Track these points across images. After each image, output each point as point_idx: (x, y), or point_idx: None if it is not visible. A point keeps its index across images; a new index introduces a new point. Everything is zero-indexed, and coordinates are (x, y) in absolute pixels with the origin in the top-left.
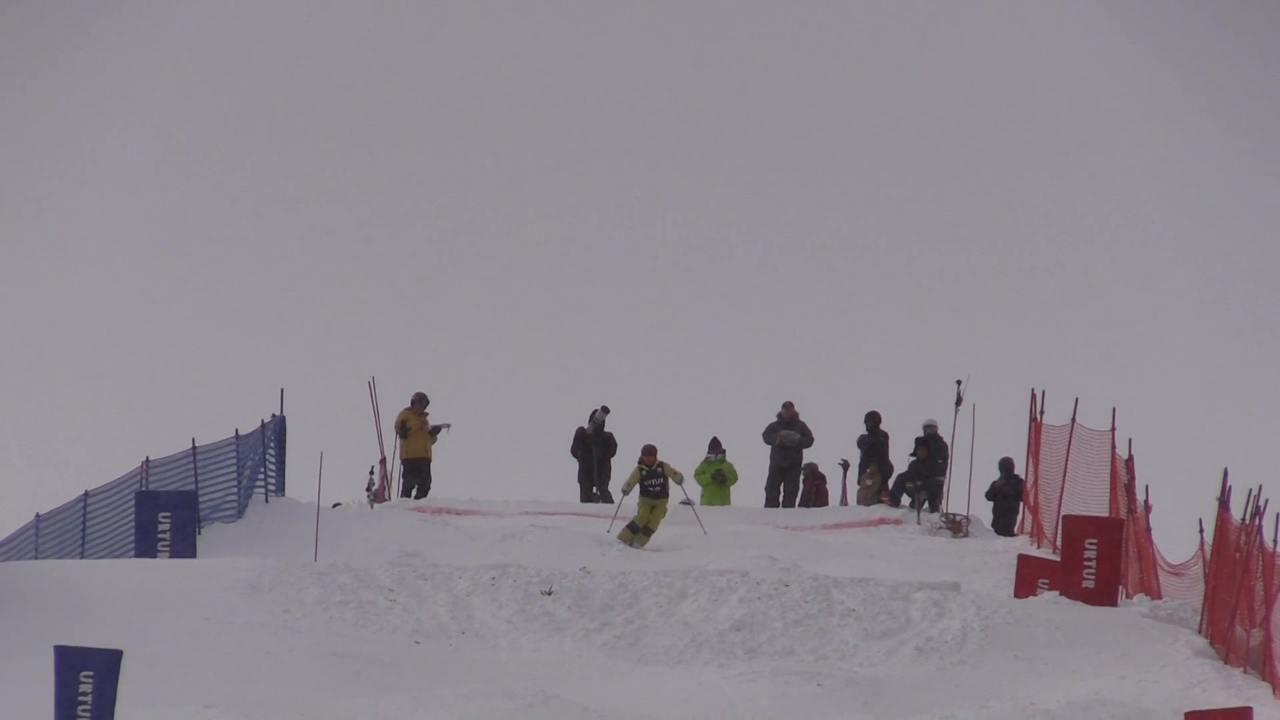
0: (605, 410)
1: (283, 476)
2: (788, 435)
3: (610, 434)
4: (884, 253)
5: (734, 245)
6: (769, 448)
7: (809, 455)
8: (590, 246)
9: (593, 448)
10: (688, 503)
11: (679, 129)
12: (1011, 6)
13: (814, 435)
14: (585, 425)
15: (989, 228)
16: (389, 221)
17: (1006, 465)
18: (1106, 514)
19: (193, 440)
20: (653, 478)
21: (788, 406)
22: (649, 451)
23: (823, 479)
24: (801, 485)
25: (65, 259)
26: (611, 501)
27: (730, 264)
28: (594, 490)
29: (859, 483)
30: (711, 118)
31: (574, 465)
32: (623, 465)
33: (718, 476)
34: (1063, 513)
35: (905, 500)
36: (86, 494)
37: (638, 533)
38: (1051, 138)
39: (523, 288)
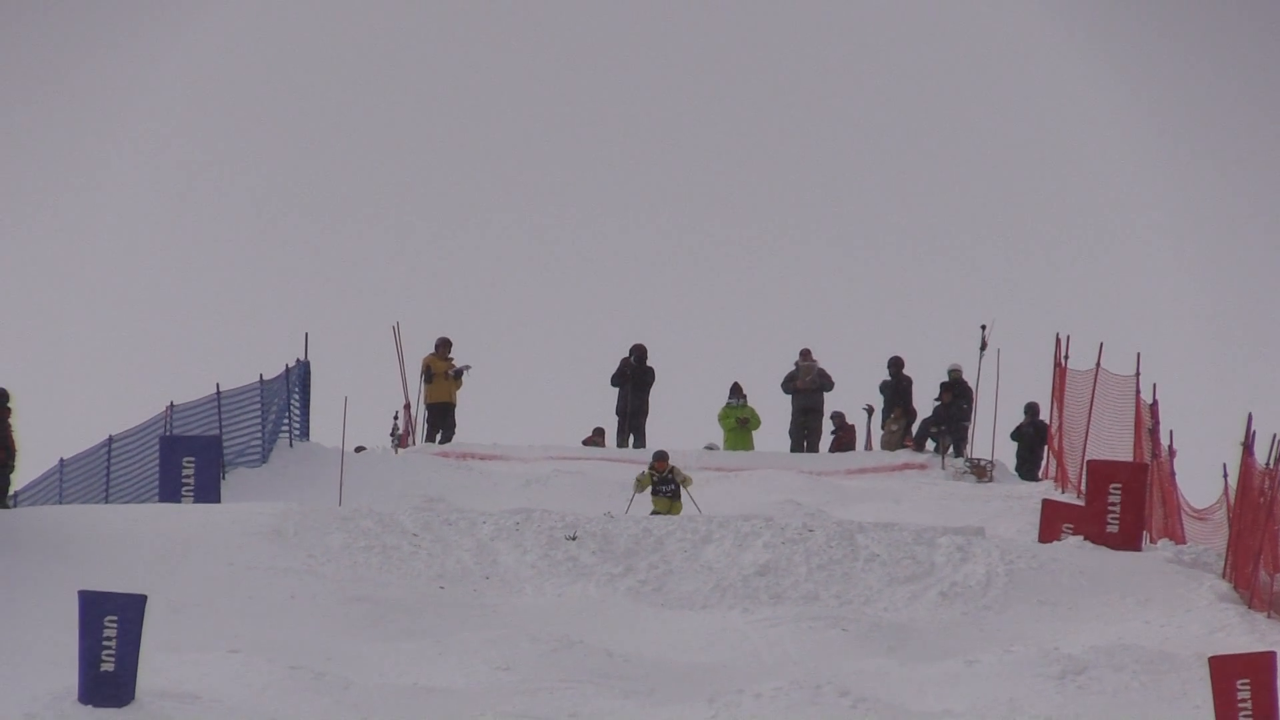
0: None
1: (307, 421)
2: (806, 368)
3: (651, 367)
4: (909, 198)
5: (758, 192)
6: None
7: (834, 403)
8: (613, 195)
9: (630, 378)
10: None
11: (706, 80)
12: None
13: (833, 380)
14: (628, 356)
15: (1014, 173)
16: (413, 167)
17: (1032, 409)
18: (1131, 459)
19: (217, 385)
20: (664, 483)
21: (805, 354)
22: (660, 457)
23: (851, 429)
24: (829, 433)
25: (92, 206)
26: (644, 441)
27: (753, 210)
28: (629, 425)
29: (883, 428)
30: (739, 67)
31: (596, 412)
32: (659, 400)
33: (741, 422)
34: (1087, 458)
35: (929, 445)
36: (111, 439)
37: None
38: (1076, 81)
39: (547, 235)
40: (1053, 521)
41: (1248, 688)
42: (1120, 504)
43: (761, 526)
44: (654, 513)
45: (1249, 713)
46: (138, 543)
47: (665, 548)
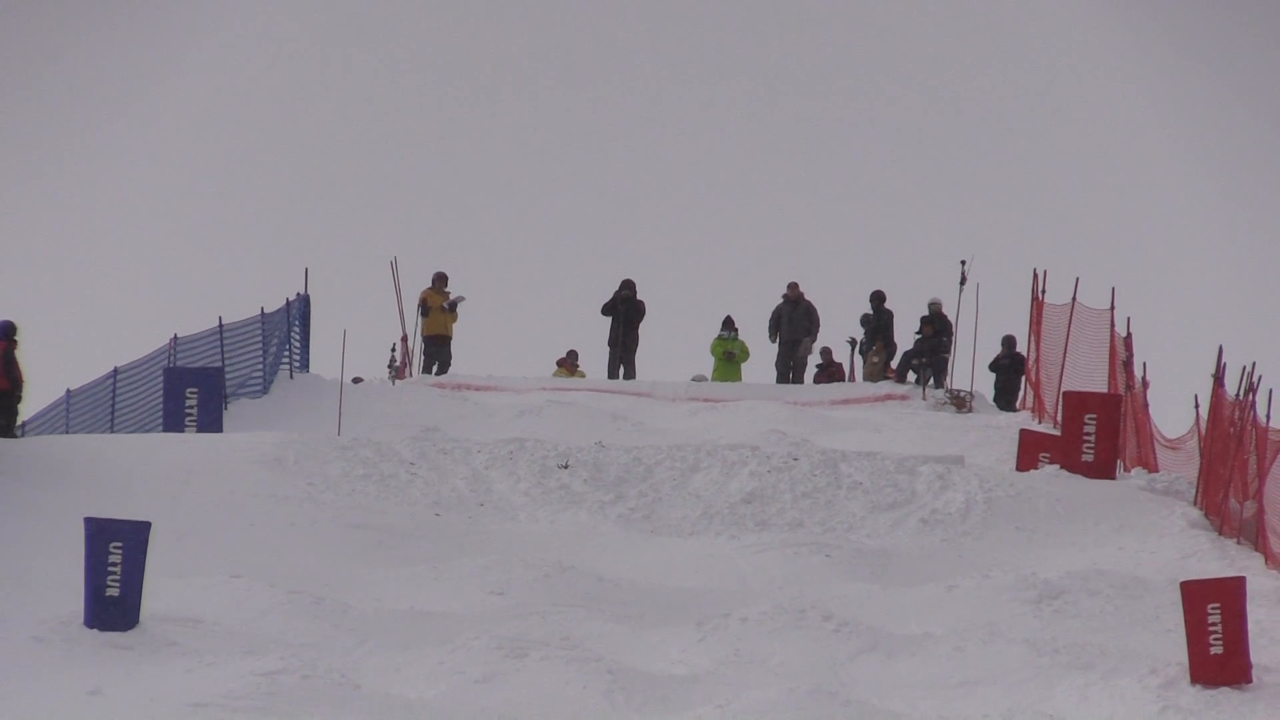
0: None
1: (307, 353)
2: (792, 331)
3: (641, 301)
4: (891, 136)
5: (745, 129)
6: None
7: (821, 338)
8: (605, 132)
9: (621, 309)
10: None
11: (701, 13)
12: None
13: (819, 316)
14: (619, 290)
15: (993, 110)
16: (410, 103)
17: (1009, 342)
18: (1106, 390)
19: (219, 318)
20: None
21: (792, 287)
22: None
23: (839, 366)
24: (814, 366)
25: (96, 144)
26: (634, 373)
27: (743, 147)
28: (619, 357)
29: (865, 360)
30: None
31: (588, 345)
32: (649, 334)
33: (728, 355)
34: (1063, 389)
35: (911, 376)
36: (116, 370)
37: None
38: (1057, 15)
39: (542, 172)
40: (1030, 451)
41: (1218, 611)
42: (1095, 434)
43: (748, 455)
44: None
45: (1219, 636)
46: (142, 471)
47: (654, 476)
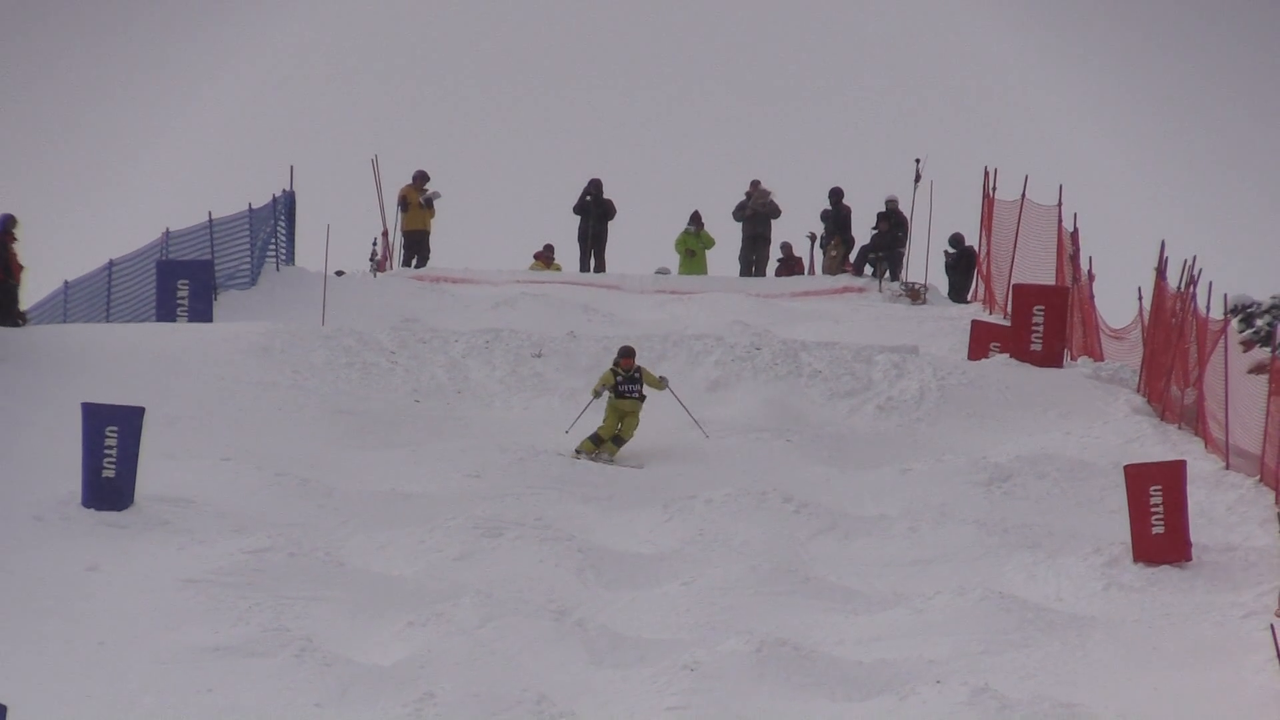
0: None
1: (292, 247)
2: (758, 194)
3: (609, 200)
4: (849, 36)
5: (710, 31)
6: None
7: (781, 234)
8: (578, 36)
9: (590, 208)
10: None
11: None
12: None
13: (780, 208)
14: (587, 187)
15: (944, 10)
16: (391, 8)
17: (956, 240)
18: (1053, 283)
19: (209, 213)
20: (629, 383)
21: (755, 184)
22: (626, 354)
23: (799, 261)
24: (775, 260)
25: (98, 45)
26: (604, 267)
27: (706, 50)
28: (590, 252)
29: (825, 254)
30: None
31: (560, 240)
32: (620, 229)
33: (690, 253)
34: (1013, 281)
35: (868, 270)
36: (111, 263)
37: (603, 443)
38: None
39: (519, 74)
40: (981, 340)
41: (1160, 493)
42: (1043, 324)
43: (712, 345)
44: (608, 426)
45: (1160, 517)
46: (136, 359)
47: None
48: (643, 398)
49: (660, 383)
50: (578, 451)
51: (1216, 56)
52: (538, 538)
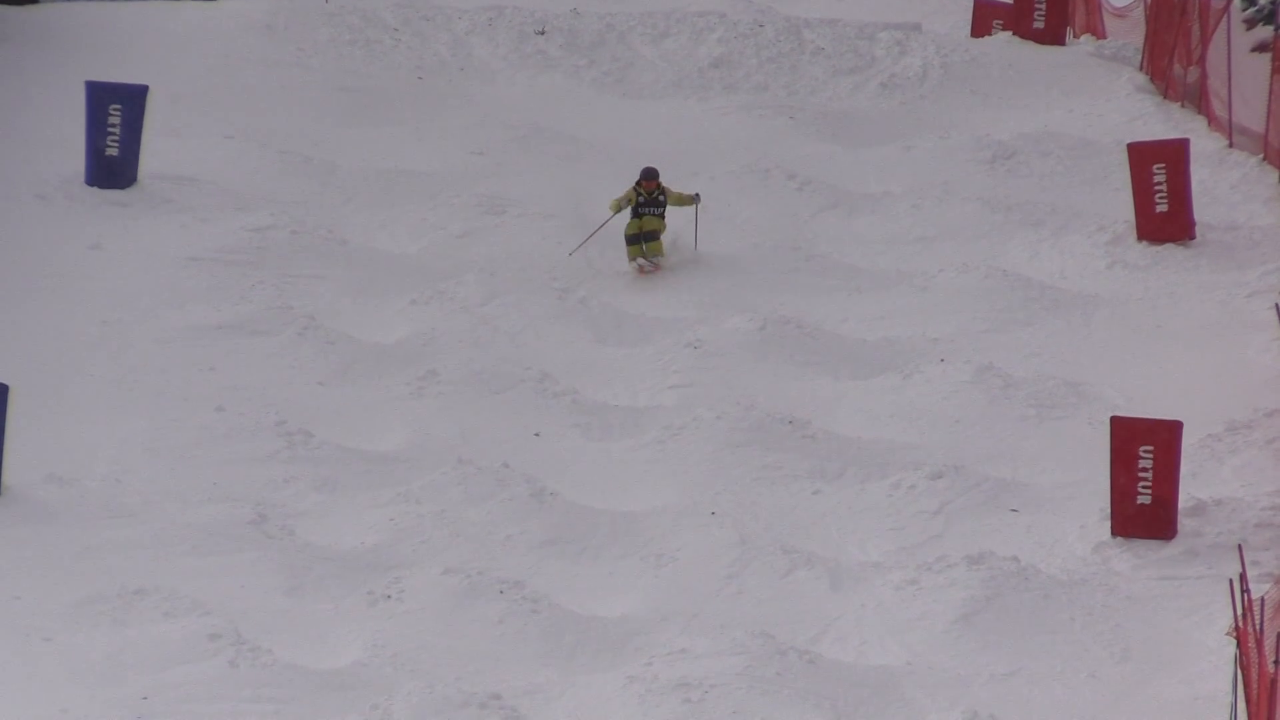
0: None
1: None
2: None
3: None
4: None
5: None
6: None
7: None
8: None
9: None
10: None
11: None
12: None
13: None
14: None
15: None
16: None
17: None
18: None
19: None
20: (651, 205)
21: None
22: (649, 176)
23: None
24: None
25: None
26: None
27: None
28: None
29: None
30: None
31: None
32: None
33: None
34: None
35: None
36: None
37: (637, 243)
38: None
39: None
40: (984, 18)
41: (1163, 171)
42: (1046, 2)
43: (716, 22)
44: (634, 238)
45: (1164, 194)
46: (141, 37)
47: (627, 41)
48: (663, 219)
49: (691, 200)
50: (630, 256)
51: None
52: (541, 214)
